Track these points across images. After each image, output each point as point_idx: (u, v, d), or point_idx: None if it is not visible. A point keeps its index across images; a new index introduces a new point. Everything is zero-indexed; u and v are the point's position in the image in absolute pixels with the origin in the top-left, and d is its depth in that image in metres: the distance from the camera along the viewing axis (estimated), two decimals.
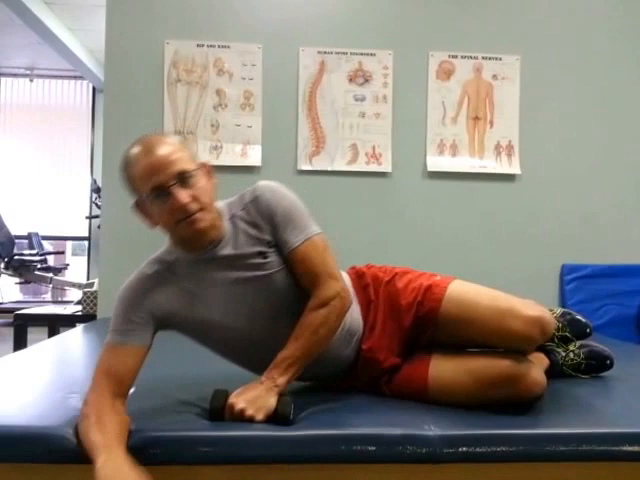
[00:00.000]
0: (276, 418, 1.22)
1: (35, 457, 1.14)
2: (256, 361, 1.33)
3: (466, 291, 1.40)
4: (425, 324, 1.38)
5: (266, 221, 1.29)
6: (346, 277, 1.49)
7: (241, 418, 1.19)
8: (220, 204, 1.32)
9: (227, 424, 1.21)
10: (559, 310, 1.74)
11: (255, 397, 1.22)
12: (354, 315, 1.43)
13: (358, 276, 1.51)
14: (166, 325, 1.30)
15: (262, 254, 1.29)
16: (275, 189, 1.31)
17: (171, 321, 1.30)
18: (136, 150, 1.26)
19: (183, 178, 1.20)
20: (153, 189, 1.20)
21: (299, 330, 1.27)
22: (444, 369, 1.35)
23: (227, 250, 1.29)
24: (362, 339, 1.43)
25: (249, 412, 1.19)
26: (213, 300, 1.30)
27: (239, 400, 1.20)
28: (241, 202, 1.32)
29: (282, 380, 1.25)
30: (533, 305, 1.39)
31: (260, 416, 1.19)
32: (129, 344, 1.24)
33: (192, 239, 1.26)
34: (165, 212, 1.21)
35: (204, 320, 1.31)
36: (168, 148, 1.23)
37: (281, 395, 1.24)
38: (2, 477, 1.16)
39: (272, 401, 1.22)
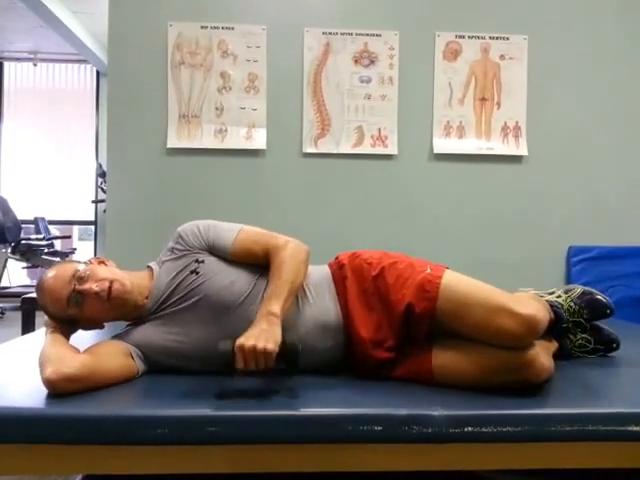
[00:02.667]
0: (285, 353, 1.25)
1: (43, 439, 1.16)
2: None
3: (459, 286, 1.37)
4: (419, 321, 1.37)
5: (198, 245, 1.45)
6: (326, 268, 1.53)
7: (254, 356, 1.21)
8: (150, 264, 1.50)
9: (233, 403, 1.23)
10: (579, 289, 1.67)
11: (260, 332, 1.24)
12: (324, 304, 1.44)
13: (339, 267, 1.51)
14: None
15: (194, 272, 1.42)
16: (191, 223, 1.50)
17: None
18: (40, 281, 1.41)
19: (79, 277, 1.35)
20: (67, 302, 1.34)
21: (272, 271, 1.39)
22: (449, 359, 1.35)
23: (164, 289, 1.43)
24: (350, 332, 1.42)
25: (260, 345, 1.21)
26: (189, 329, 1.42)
27: (247, 339, 1.23)
28: (167, 250, 1.49)
29: (276, 306, 1.30)
30: (527, 302, 1.38)
31: (271, 345, 1.22)
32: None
33: (126, 306, 1.40)
34: (92, 305, 1.35)
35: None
36: (57, 269, 1.40)
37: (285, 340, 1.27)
38: (11, 458, 1.18)
39: (277, 330, 1.26)
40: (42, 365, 1.24)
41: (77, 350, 1.32)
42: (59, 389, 1.22)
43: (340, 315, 1.43)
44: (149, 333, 1.41)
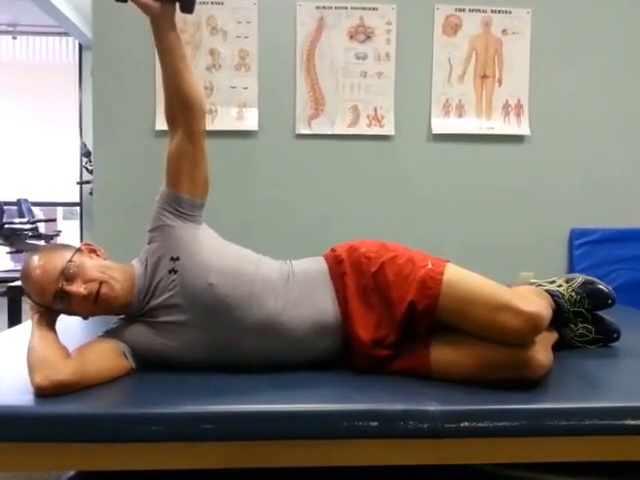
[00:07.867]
0: None
1: (35, 437, 1.15)
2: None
3: (461, 283, 1.35)
4: (421, 318, 1.35)
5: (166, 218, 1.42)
6: (322, 262, 1.46)
7: None
8: (133, 261, 1.43)
9: (227, 399, 1.22)
10: (580, 278, 1.64)
11: None
12: (321, 303, 1.40)
13: (337, 262, 1.45)
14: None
15: (172, 270, 1.36)
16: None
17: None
18: (26, 269, 1.34)
19: (67, 275, 1.30)
20: (53, 299, 1.30)
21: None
22: (447, 354, 1.34)
23: (145, 289, 1.39)
24: (349, 332, 1.38)
25: None
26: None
27: None
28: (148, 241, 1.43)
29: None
30: (530, 298, 1.37)
31: None
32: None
33: (112, 306, 1.36)
34: (78, 305, 1.32)
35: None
36: (45, 258, 1.33)
37: None
38: (2, 456, 1.18)
39: None
40: (31, 368, 1.23)
41: (67, 351, 1.29)
42: (50, 395, 1.20)
43: (339, 314, 1.40)
44: (140, 334, 1.39)
